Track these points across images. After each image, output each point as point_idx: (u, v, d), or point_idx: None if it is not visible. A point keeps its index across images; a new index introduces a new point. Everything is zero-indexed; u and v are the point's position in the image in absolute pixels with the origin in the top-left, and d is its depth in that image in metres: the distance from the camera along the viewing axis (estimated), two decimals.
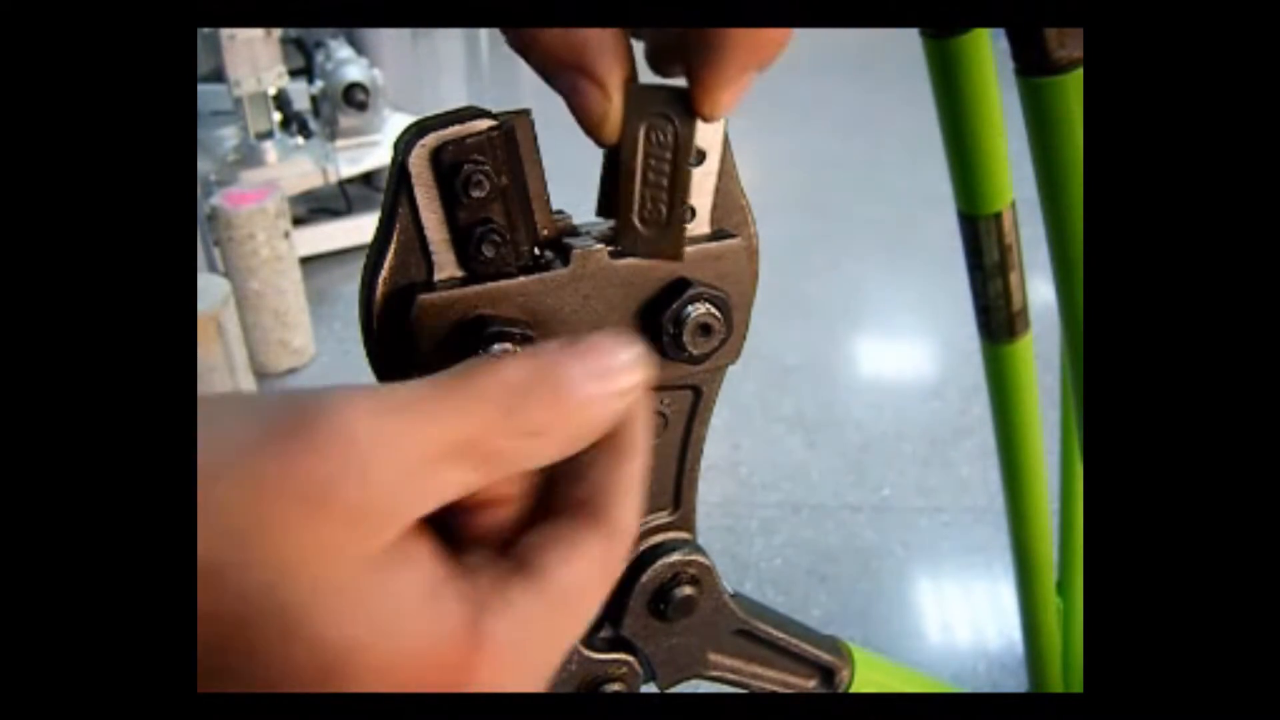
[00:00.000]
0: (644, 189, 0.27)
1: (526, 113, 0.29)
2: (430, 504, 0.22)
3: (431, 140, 0.27)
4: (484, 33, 5.17)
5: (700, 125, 0.30)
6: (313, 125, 2.66)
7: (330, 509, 0.20)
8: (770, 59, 0.25)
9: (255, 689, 0.20)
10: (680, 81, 0.26)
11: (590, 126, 0.26)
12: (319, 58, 2.81)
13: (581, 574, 0.24)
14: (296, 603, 0.20)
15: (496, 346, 0.28)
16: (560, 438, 0.23)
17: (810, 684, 0.45)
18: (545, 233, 0.30)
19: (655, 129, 0.26)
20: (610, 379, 0.23)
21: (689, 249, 0.32)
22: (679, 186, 0.27)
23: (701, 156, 0.31)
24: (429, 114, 0.28)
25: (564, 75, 0.25)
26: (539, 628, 0.23)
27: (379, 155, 2.62)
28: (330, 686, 0.20)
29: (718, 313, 0.32)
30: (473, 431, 0.21)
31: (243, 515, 0.19)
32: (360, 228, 2.55)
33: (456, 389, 0.22)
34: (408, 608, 0.21)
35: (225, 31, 2.24)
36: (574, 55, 0.25)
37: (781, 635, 0.43)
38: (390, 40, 3.21)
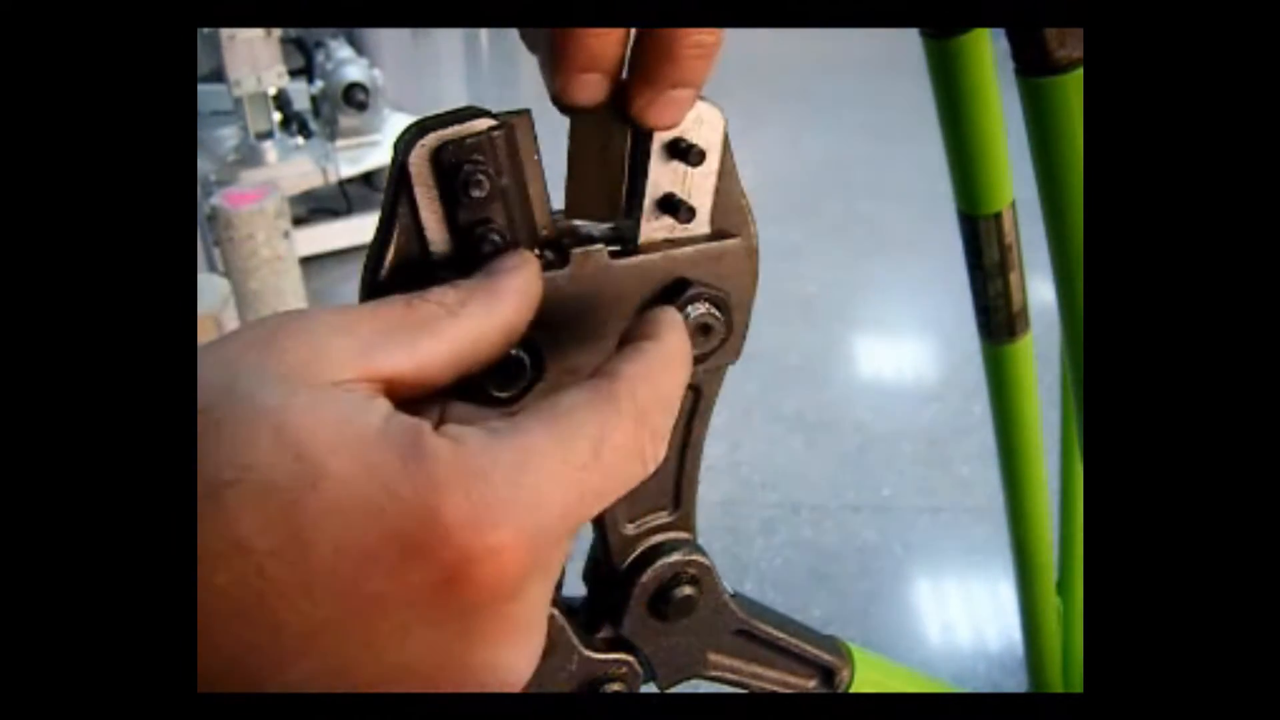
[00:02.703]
0: (581, 167, 0.30)
1: (526, 113, 0.29)
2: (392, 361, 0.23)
3: (431, 140, 0.27)
4: (484, 33, 5.17)
5: (700, 125, 0.30)
6: (313, 125, 2.66)
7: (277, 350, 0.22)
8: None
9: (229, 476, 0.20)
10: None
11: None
12: (319, 58, 2.81)
13: (574, 408, 0.23)
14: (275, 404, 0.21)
15: None
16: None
17: (810, 684, 0.45)
18: (545, 233, 0.30)
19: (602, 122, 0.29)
20: None
21: (689, 249, 0.32)
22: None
23: (701, 157, 0.31)
24: (429, 114, 0.28)
25: (538, 52, 0.27)
26: (508, 456, 0.21)
27: (379, 155, 2.62)
28: (302, 487, 0.20)
29: (718, 312, 0.32)
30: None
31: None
32: (360, 228, 2.55)
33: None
34: (367, 421, 0.21)
35: (225, 31, 2.24)
36: (540, 36, 0.27)
37: (781, 635, 0.43)
38: (390, 40, 3.22)
